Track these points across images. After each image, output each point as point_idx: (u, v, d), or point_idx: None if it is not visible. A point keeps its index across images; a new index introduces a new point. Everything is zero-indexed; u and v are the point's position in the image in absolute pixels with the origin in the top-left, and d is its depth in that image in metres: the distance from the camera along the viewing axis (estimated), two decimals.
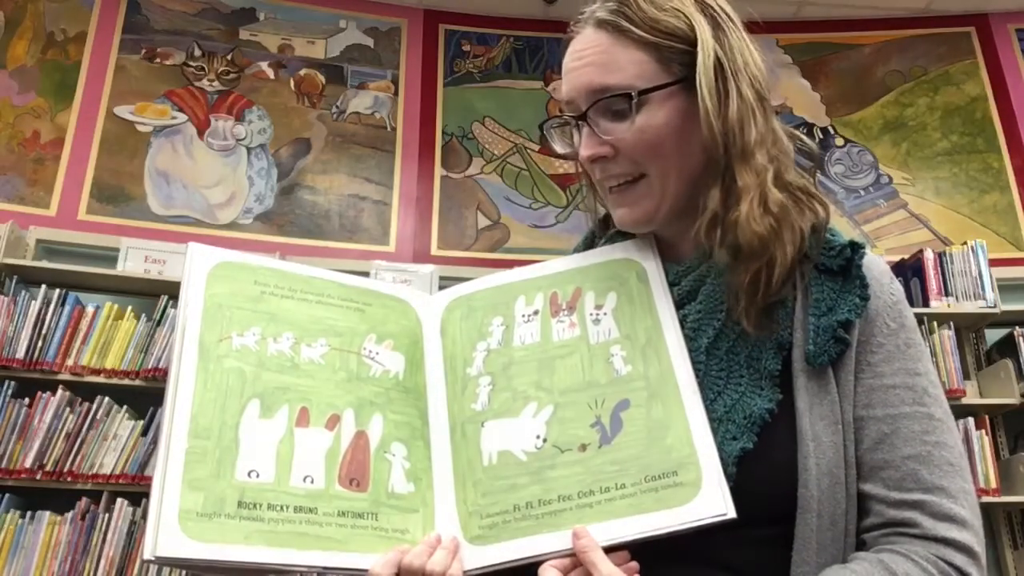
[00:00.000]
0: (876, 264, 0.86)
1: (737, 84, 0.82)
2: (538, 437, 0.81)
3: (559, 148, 0.94)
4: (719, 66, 0.82)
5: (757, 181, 0.81)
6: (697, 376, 0.81)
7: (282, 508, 0.75)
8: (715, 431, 0.77)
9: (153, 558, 0.70)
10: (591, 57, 0.85)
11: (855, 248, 0.83)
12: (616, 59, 0.83)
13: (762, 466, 0.76)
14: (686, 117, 0.83)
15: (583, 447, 0.79)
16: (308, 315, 0.88)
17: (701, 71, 0.81)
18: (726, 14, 0.86)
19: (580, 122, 0.86)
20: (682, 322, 0.85)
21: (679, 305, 0.86)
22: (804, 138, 0.89)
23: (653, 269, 0.89)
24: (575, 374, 0.84)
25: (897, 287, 0.86)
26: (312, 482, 0.78)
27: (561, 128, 0.93)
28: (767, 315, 0.82)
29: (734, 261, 0.82)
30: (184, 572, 2.65)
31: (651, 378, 0.81)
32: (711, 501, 0.74)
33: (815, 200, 0.85)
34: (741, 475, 0.75)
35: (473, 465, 0.82)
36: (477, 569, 0.77)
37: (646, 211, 0.87)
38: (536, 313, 0.89)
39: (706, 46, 0.82)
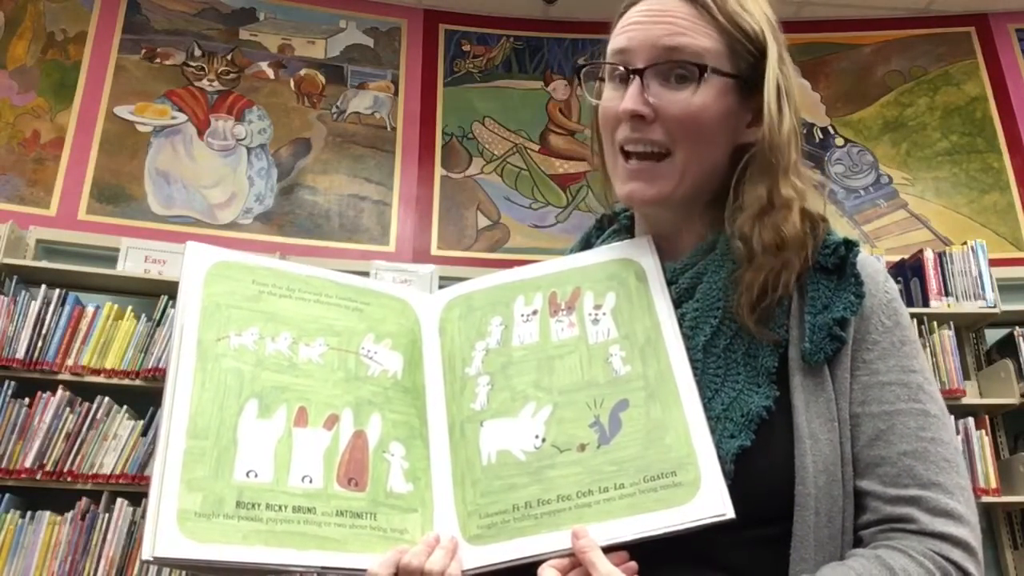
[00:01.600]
0: (870, 263, 0.86)
1: (790, 107, 0.85)
2: (537, 437, 0.81)
3: (588, 95, 0.93)
4: (779, 85, 0.85)
5: (799, 197, 0.84)
6: (695, 374, 0.81)
7: (280, 508, 0.75)
8: (713, 429, 0.78)
9: (152, 558, 0.70)
10: (669, 19, 0.84)
11: (849, 246, 0.84)
12: (693, 30, 0.83)
13: (760, 464, 0.76)
14: (730, 114, 0.85)
15: (582, 447, 0.79)
16: (306, 315, 0.88)
17: (769, 81, 0.84)
18: (785, 45, 0.89)
19: (633, 75, 0.84)
20: (680, 320, 0.85)
21: (677, 303, 0.86)
22: (818, 176, 0.92)
23: (652, 269, 0.89)
24: (574, 374, 0.84)
25: (891, 285, 0.86)
26: (310, 482, 0.78)
27: (593, 79, 0.92)
28: (766, 314, 0.82)
29: (756, 258, 0.82)
30: (184, 572, 2.66)
31: (650, 378, 0.81)
32: (710, 501, 0.74)
33: (820, 219, 0.88)
34: (739, 473, 0.76)
35: (472, 465, 0.82)
36: (476, 569, 0.77)
37: (662, 191, 0.86)
38: (535, 313, 0.90)
39: (772, 62, 0.85)
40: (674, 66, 0.83)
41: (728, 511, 0.73)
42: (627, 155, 0.87)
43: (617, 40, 0.87)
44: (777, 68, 0.85)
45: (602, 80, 0.91)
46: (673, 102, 0.83)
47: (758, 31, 0.85)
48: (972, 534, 0.75)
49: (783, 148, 0.84)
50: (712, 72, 0.83)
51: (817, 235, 0.86)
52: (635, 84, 0.84)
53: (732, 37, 0.84)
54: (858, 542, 0.78)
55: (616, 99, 0.86)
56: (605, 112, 0.88)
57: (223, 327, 0.83)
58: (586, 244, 1.01)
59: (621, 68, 0.85)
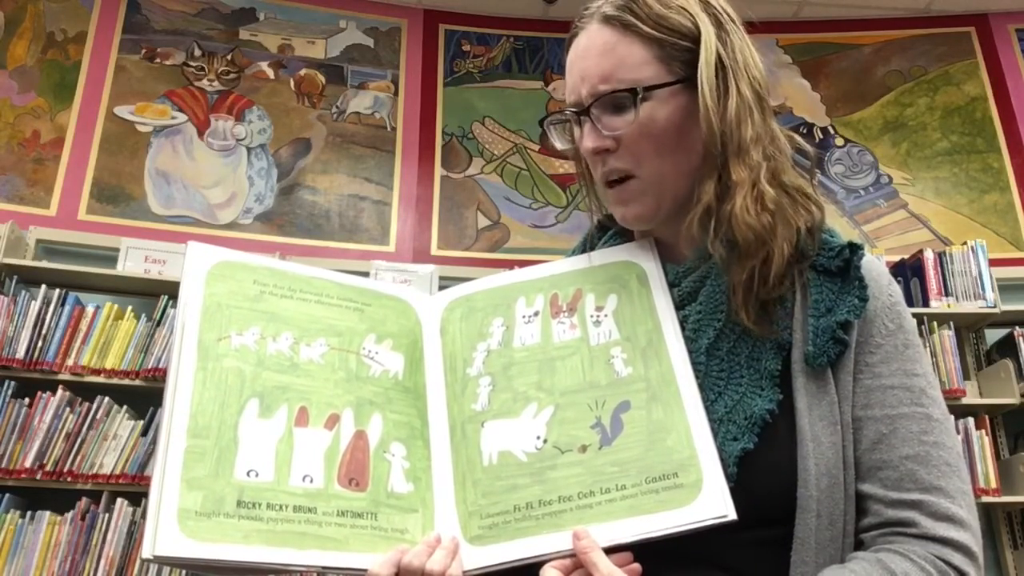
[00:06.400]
0: (874, 265, 0.86)
1: (736, 83, 0.83)
2: (538, 438, 0.81)
3: (559, 144, 0.95)
4: (720, 64, 0.83)
5: (751, 176, 0.82)
6: (698, 377, 0.81)
7: (281, 507, 0.75)
8: (716, 432, 0.78)
9: (152, 557, 0.69)
10: (596, 53, 0.85)
11: (854, 249, 0.83)
12: (621, 55, 0.84)
13: (762, 466, 0.76)
14: (687, 115, 0.84)
15: (583, 448, 0.79)
16: (307, 315, 0.88)
17: (703, 69, 0.82)
18: (727, 14, 0.87)
19: (582, 116, 0.86)
20: (683, 323, 0.85)
21: (679, 306, 0.86)
22: (801, 141, 0.90)
23: (654, 272, 0.89)
24: (575, 375, 0.84)
25: (895, 288, 0.86)
26: (311, 482, 0.78)
27: (561, 124, 0.95)
28: (766, 312, 0.82)
29: (732, 257, 0.82)
30: (184, 571, 2.66)
31: (651, 380, 0.81)
32: (712, 503, 0.74)
33: (811, 201, 0.86)
34: (742, 475, 0.76)
35: (473, 465, 0.82)
36: (477, 569, 0.77)
37: (645, 208, 0.87)
38: (537, 314, 0.90)
39: (709, 45, 0.83)
40: (612, 97, 0.84)
41: (730, 512, 0.73)
42: (609, 183, 0.89)
43: (567, 88, 0.90)
44: (715, 50, 0.83)
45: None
46: (626, 127, 0.84)
47: (688, 23, 0.84)
48: (973, 538, 0.75)
49: (730, 130, 0.82)
50: (644, 91, 0.83)
51: (813, 227, 0.85)
52: (587, 124, 0.86)
53: (662, 43, 0.84)
54: (859, 545, 0.78)
55: (579, 140, 0.89)
56: (581, 152, 0.90)
57: (224, 327, 0.83)
58: (585, 247, 1.01)
59: (571, 111, 0.88)
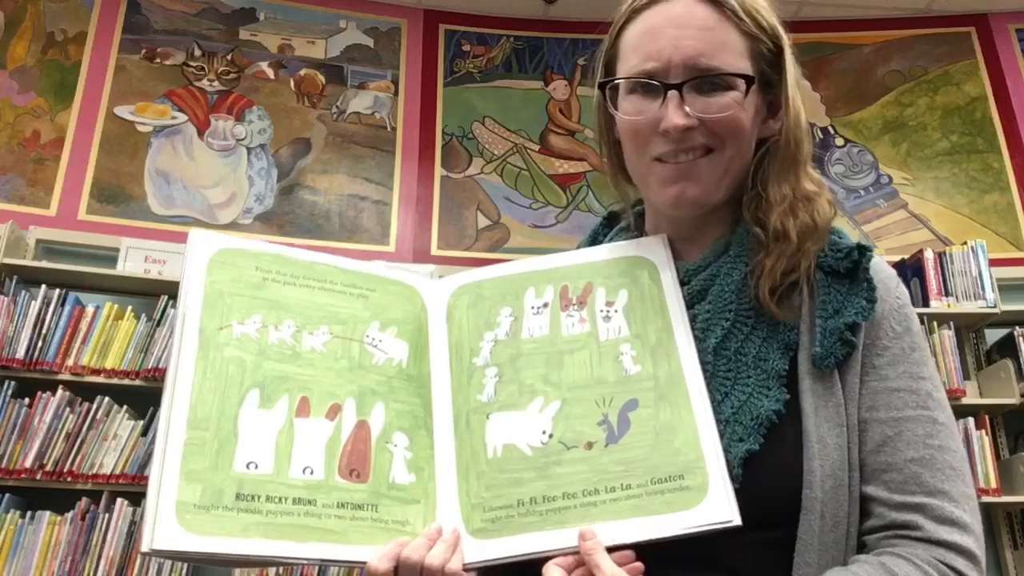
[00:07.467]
0: (883, 268, 0.86)
1: (801, 99, 0.87)
2: (544, 432, 0.80)
3: (613, 110, 0.89)
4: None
5: (819, 189, 0.86)
6: (705, 376, 0.81)
7: (281, 500, 0.74)
8: (722, 433, 0.77)
9: (150, 551, 0.69)
10: (695, 28, 0.82)
11: (862, 251, 0.83)
12: (722, 39, 0.83)
13: (767, 468, 0.76)
14: (756, 112, 0.86)
15: (589, 445, 0.79)
16: (310, 302, 0.87)
17: (791, 73, 0.85)
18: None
19: (670, 90, 0.82)
20: (691, 322, 0.84)
21: (689, 304, 0.86)
22: None
23: (666, 269, 0.88)
24: (583, 370, 0.83)
25: (903, 291, 0.86)
26: (312, 473, 0.77)
27: (613, 90, 0.89)
28: (784, 297, 0.83)
29: (779, 245, 0.83)
30: (185, 565, 2.66)
31: (660, 379, 0.81)
32: (717, 507, 0.73)
33: None
34: (747, 477, 0.75)
35: (477, 457, 0.81)
36: (479, 563, 0.77)
37: (706, 188, 0.85)
38: (546, 306, 0.89)
39: (789, 52, 0.86)
40: (711, 78, 0.82)
41: (735, 518, 0.73)
42: (671, 161, 0.85)
43: (643, 53, 0.84)
44: (791, 62, 0.86)
45: (610, 90, 0.89)
46: (714, 111, 0.82)
47: (775, 25, 0.86)
48: (976, 543, 0.74)
49: (802, 140, 0.85)
50: (752, 83, 0.83)
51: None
52: (675, 99, 0.82)
53: (754, 37, 0.84)
54: (862, 547, 0.77)
55: (649, 112, 0.84)
56: (637, 125, 0.85)
57: (225, 315, 0.82)
58: (593, 241, 1.00)
59: (655, 83, 0.83)
